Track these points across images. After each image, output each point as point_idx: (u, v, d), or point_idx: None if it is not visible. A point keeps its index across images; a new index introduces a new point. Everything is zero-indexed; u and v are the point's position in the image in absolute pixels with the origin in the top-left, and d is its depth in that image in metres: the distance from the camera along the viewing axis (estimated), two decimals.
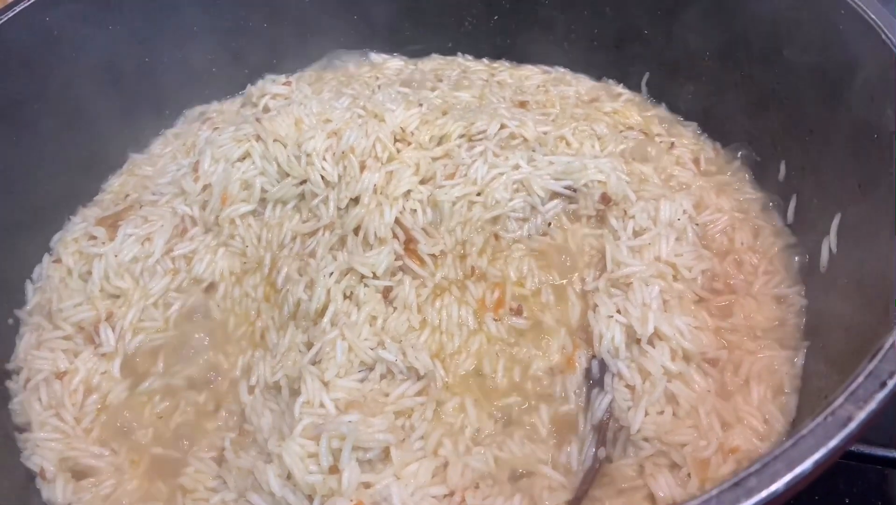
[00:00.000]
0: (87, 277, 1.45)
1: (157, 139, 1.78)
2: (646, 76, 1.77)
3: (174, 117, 1.80)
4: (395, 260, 1.40)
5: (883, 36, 1.19)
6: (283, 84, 1.79)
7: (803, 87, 1.41)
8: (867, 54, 1.22)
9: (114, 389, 1.34)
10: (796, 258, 1.41)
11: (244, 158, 1.55)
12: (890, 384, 0.79)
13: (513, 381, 1.30)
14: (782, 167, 1.49)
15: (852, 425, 0.76)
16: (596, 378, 1.27)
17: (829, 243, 1.30)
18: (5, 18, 1.46)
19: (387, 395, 1.23)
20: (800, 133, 1.42)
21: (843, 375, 1.12)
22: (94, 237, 1.50)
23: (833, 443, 0.76)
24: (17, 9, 1.47)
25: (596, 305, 1.33)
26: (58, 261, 1.51)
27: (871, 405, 0.78)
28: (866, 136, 1.23)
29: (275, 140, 1.54)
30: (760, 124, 1.55)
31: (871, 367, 0.81)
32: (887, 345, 0.82)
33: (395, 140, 1.58)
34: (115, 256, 1.45)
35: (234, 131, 1.60)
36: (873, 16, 1.22)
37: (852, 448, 0.85)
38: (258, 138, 1.55)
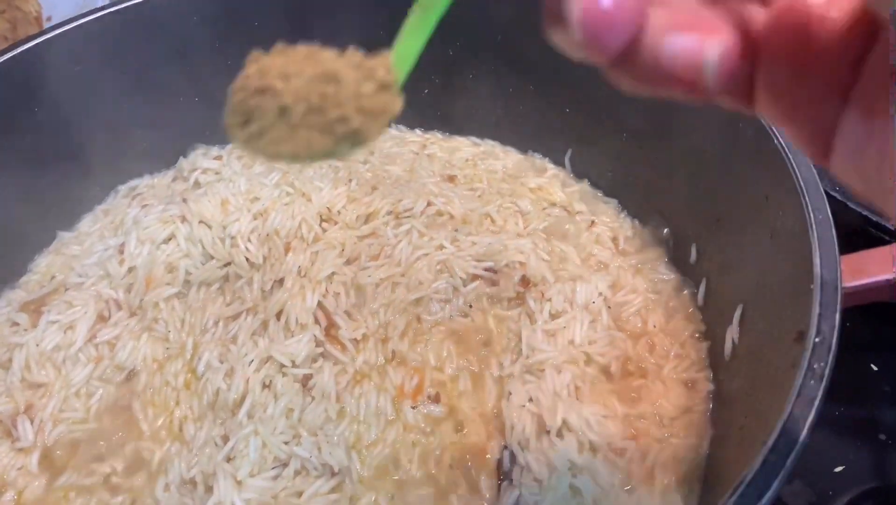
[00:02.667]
0: (7, 366, 1.44)
1: (87, 215, 1.77)
2: (569, 152, 1.81)
3: (105, 192, 1.79)
4: (316, 346, 1.41)
5: (775, 141, 1.24)
6: (215, 158, 1.80)
7: (711, 177, 1.46)
8: (763, 157, 1.27)
9: (30, 484, 1.32)
10: (706, 343, 1.45)
11: (169, 240, 1.55)
12: None
13: (428, 472, 1.31)
14: (693, 251, 1.53)
15: None
16: (506, 471, 1.30)
17: (732, 334, 1.35)
18: None
19: (300, 493, 1.25)
20: (707, 220, 1.47)
21: (741, 467, 1.17)
22: (16, 324, 1.49)
23: None
24: None
25: (510, 393, 1.36)
26: None
27: None
28: (765, 233, 1.27)
29: (200, 222, 1.55)
30: (673, 206, 1.59)
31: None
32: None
33: (322, 220, 1.60)
34: (37, 344, 1.44)
35: (160, 211, 1.60)
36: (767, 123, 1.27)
37: None
38: (184, 219, 1.57)
